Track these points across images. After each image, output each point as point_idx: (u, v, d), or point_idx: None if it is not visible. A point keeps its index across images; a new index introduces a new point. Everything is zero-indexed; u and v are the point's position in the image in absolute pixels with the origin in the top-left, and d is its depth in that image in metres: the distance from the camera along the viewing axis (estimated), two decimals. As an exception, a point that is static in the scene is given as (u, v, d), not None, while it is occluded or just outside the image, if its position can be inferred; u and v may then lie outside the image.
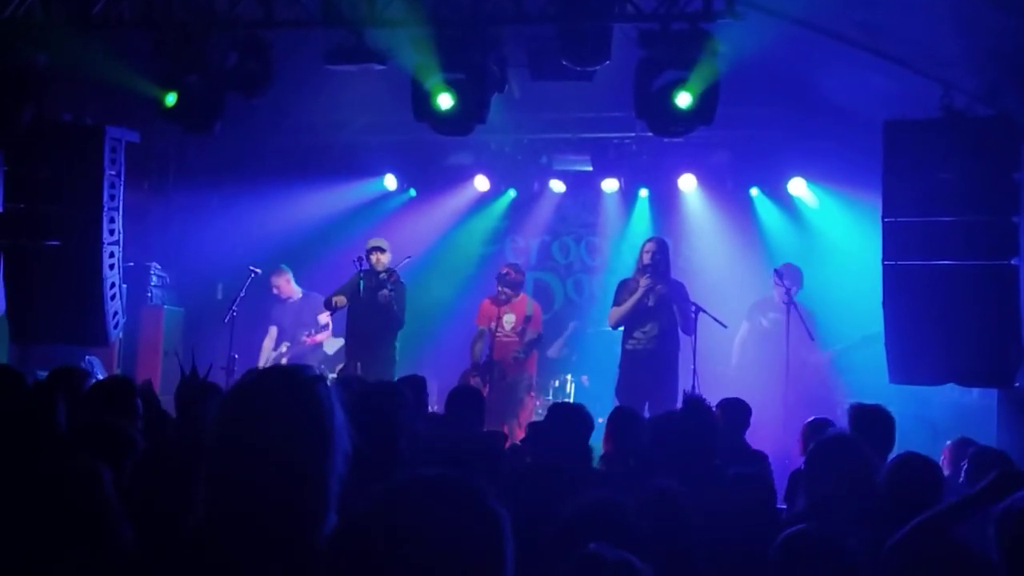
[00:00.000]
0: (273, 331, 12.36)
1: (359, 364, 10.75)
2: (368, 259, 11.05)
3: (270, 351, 12.22)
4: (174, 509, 2.58)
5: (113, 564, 2.98)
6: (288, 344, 12.11)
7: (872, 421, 6.04)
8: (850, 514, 4.38)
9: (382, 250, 11.14)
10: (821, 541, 3.36)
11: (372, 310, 10.87)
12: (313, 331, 12.18)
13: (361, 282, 10.86)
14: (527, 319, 11.35)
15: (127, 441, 4.29)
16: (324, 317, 11.98)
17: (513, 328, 11.31)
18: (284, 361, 11.65)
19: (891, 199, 8.83)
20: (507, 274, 11.37)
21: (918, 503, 4.40)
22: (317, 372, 2.51)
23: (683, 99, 8.50)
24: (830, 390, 10.89)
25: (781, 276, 10.89)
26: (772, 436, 9.50)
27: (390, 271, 11.06)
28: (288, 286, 12.37)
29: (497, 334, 11.16)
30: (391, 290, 10.85)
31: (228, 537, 2.28)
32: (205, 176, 13.37)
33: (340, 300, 11.10)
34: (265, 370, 2.50)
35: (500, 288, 11.29)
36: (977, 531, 4.86)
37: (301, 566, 2.30)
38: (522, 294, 11.60)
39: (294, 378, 2.42)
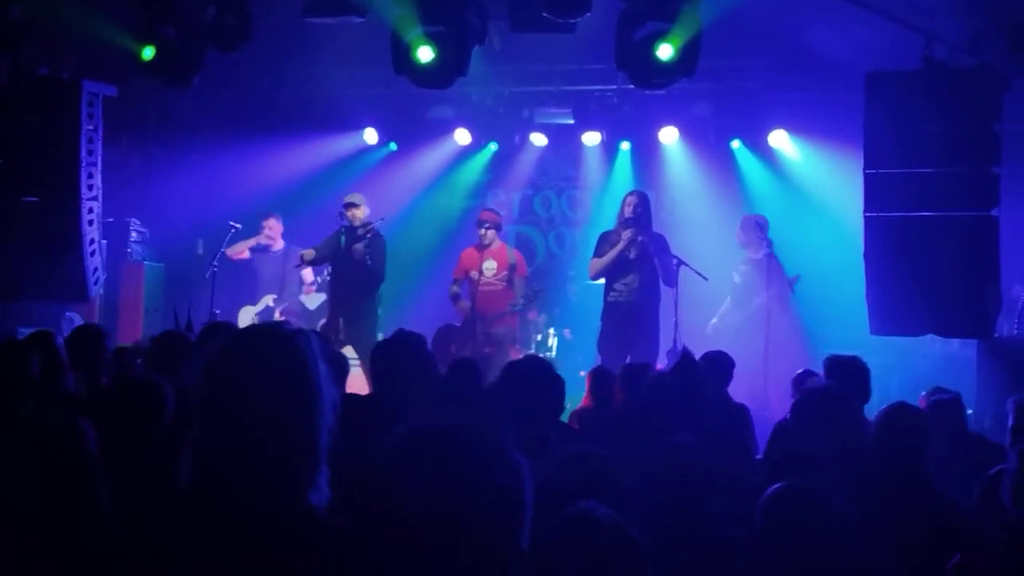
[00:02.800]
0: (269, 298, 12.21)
1: (341, 320, 10.73)
2: (345, 215, 10.98)
3: (252, 310, 12.07)
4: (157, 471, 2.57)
5: (94, 521, 2.97)
6: (274, 297, 11.95)
7: (848, 372, 6.08)
8: (835, 464, 4.41)
9: (356, 205, 11.01)
10: (807, 497, 3.36)
11: (351, 266, 10.82)
12: (304, 287, 12.09)
13: (343, 238, 10.81)
14: (511, 267, 11.16)
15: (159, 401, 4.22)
16: (309, 275, 11.87)
17: (495, 275, 11.10)
18: (278, 314, 11.53)
19: (872, 151, 8.83)
20: (486, 218, 11.27)
21: (905, 453, 4.44)
22: (296, 326, 2.49)
23: (664, 51, 8.46)
24: (805, 341, 10.97)
25: (762, 228, 10.93)
26: (751, 388, 9.57)
27: (367, 225, 10.98)
28: (278, 233, 12.21)
29: (479, 281, 11.00)
30: (367, 245, 10.77)
31: (220, 497, 2.27)
32: (184, 131, 13.26)
33: (308, 253, 10.99)
34: (245, 328, 2.49)
35: (481, 232, 11.14)
36: (958, 485, 4.94)
37: (295, 520, 2.31)
38: (502, 243, 11.48)
39: (275, 333, 2.41)
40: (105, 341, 6.69)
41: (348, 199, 11.07)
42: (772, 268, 10.55)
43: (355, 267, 10.74)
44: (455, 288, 11.29)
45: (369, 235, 10.80)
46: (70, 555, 2.87)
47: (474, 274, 11.04)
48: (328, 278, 11.47)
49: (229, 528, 2.26)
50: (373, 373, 5.39)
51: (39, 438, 3.04)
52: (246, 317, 11.95)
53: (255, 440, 2.28)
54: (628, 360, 9.42)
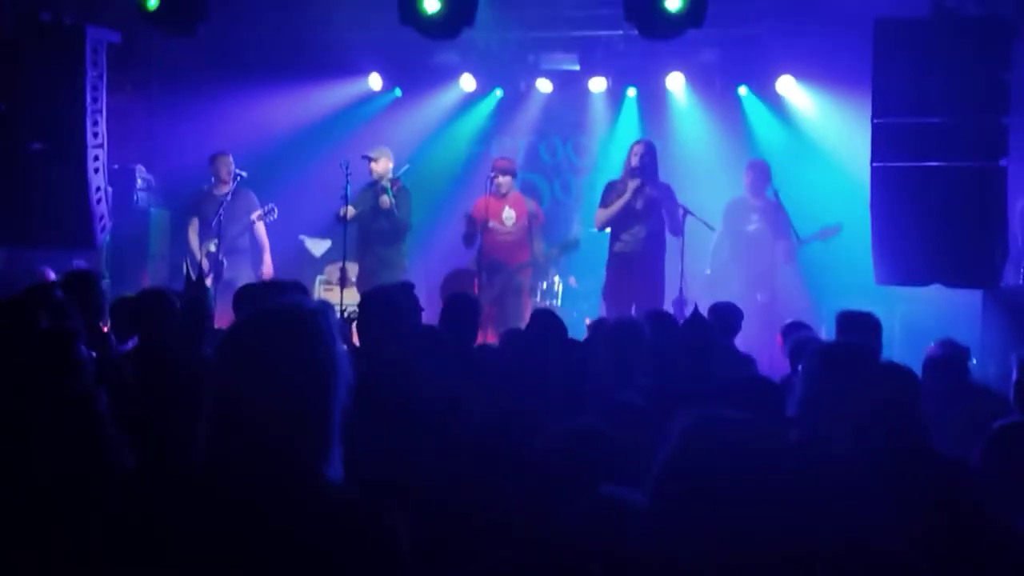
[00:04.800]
0: (195, 222, 11.78)
1: (360, 266, 10.76)
2: (369, 168, 11.03)
3: (198, 247, 11.66)
4: (176, 439, 2.60)
5: (111, 486, 3.01)
6: (216, 241, 11.30)
7: (860, 327, 6.10)
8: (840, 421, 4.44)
9: (374, 159, 11.05)
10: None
11: (376, 213, 10.93)
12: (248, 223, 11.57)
13: (370, 191, 10.85)
14: (532, 216, 11.11)
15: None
16: (256, 214, 11.51)
17: (515, 223, 11.04)
18: (222, 260, 11.23)
19: (881, 99, 8.78)
20: (502, 166, 11.17)
21: (898, 416, 4.46)
22: (315, 303, 2.51)
23: (673, 2, 8.40)
24: (808, 290, 10.99)
25: (766, 173, 10.93)
26: (758, 337, 9.62)
27: (394, 180, 11.02)
28: (228, 175, 11.63)
29: (497, 231, 10.95)
30: (393, 196, 10.86)
31: (233, 474, 2.30)
32: (188, 76, 13.18)
33: (349, 211, 10.84)
34: (265, 304, 2.49)
35: (498, 181, 10.96)
36: (961, 439, 4.98)
37: (310, 494, 2.34)
38: (518, 191, 11.41)
39: (294, 313, 2.43)
40: (100, 285, 6.73)
41: (372, 154, 11.08)
42: (779, 217, 10.56)
43: (377, 216, 10.85)
44: (471, 231, 10.99)
45: (396, 188, 10.86)
46: (87, 524, 2.91)
47: (494, 223, 10.98)
48: (267, 220, 11.47)
49: (244, 502, 2.29)
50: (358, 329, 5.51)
51: (55, 409, 3.07)
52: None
53: (270, 416, 2.31)
54: (633, 309, 9.48)
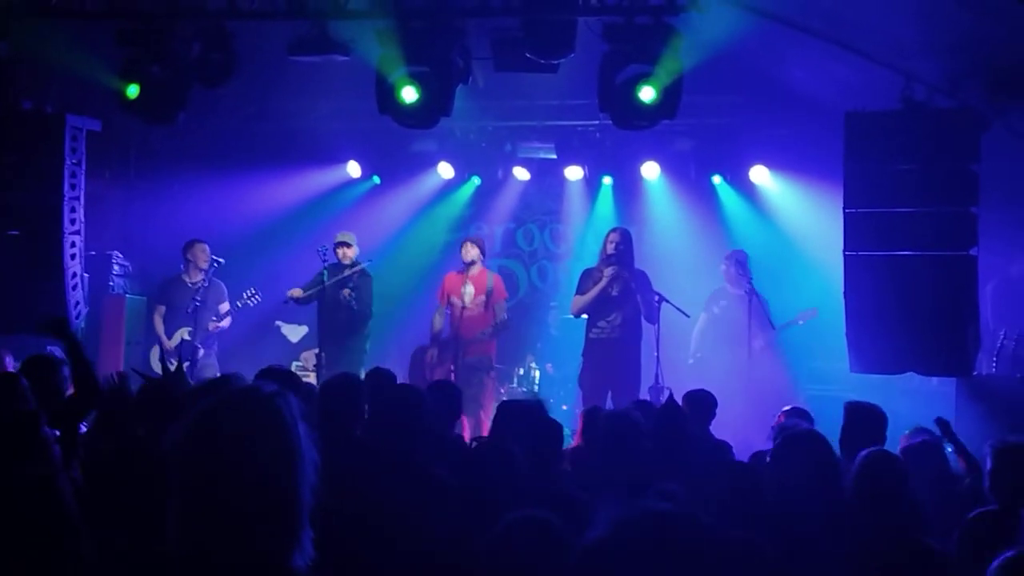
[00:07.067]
0: (162, 310, 11.69)
1: (324, 355, 10.76)
2: (335, 253, 11.05)
3: (163, 334, 11.57)
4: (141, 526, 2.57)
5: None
6: (189, 329, 11.34)
7: (866, 418, 6.19)
8: (816, 508, 4.45)
9: (348, 245, 11.12)
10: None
11: (337, 304, 10.97)
12: (215, 318, 11.52)
13: (325, 273, 10.84)
14: (489, 291, 11.19)
15: None
16: (224, 306, 11.57)
17: (473, 300, 11.12)
18: (198, 346, 11.21)
19: (852, 190, 8.94)
20: (471, 238, 11.52)
21: (884, 498, 4.48)
22: (273, 388, 2.49)
23: (647, 93, 8.53)
24: (787, 377, 11.02)
25: (742, 264, 11.02)
26: (733, 425, 9.62)
27: (354, 265, 11.07)
28: (205, 262, 11.61)
29: (458, 307, 11.07)
30: (352, 289, 10.95)
31: (204, 561, 2.28)
32: (167, 164, 13.25)
33: (296, 292, 11.01)
34: (223, 392, 2.48)
35: (464, 248, 11.29)
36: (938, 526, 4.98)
37: None
38: (483, 268, 11.49)
39: (254, 396, 2.42)
40: (60, 369, 6.69)
41: (341, 237, 11.16)
42: (755, 305, 10.63)
43: (340, 306, 10.89)
44: (438, 319, 11.29)
45: (356, 275, 10.89)
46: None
47: (455, 300, 11.11)
48: (251, 303, 11.48)
49: None
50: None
51: (17, 494, 3.04)
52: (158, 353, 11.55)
53: (238, 504, 2.29)
54: (609, 397, 9.49)
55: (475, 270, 11.27)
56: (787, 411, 7.36)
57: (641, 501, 2.34)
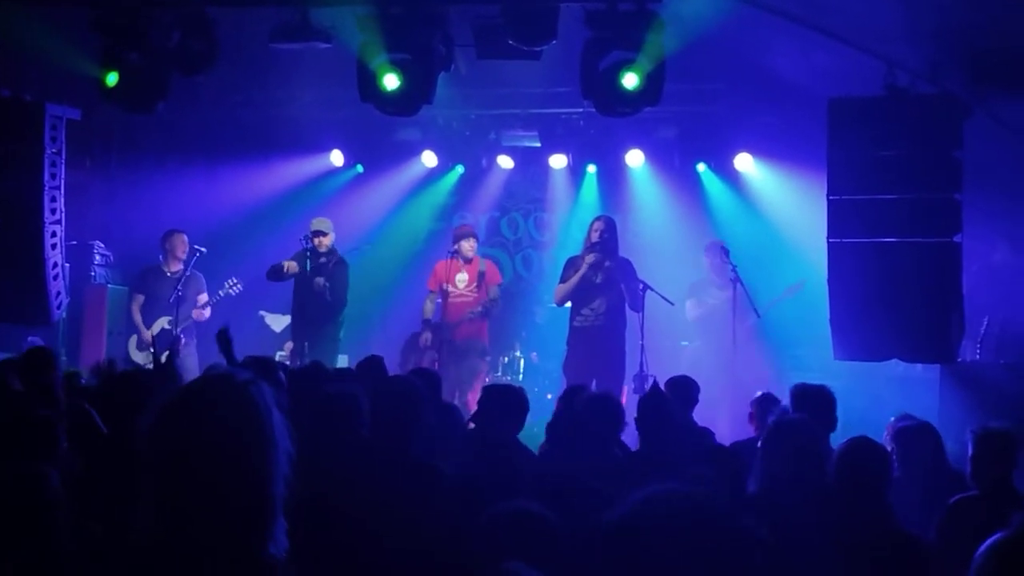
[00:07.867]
0: (140, 300, 11.66)
1: (306, 344, 10.73)
2: (312, 240, 11.00)
3: (142, 324, 11.55)
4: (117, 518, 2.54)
5: (56, 567, 2.95)
6: (170, 319, 11.32)
7: (815, 401, 6.14)
8: (802, 495, 4.44)
9: (324, 233, 11.06)
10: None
11: (312, 292, 10.94)
12: (197, 308, 11.49)
13: (308, 260, 10.82)
14: (480, 275, 11.28)
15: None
16: (203, 297, 11.52)
17: (467, 286, 11.24)
18: (179, 335, 11.16)
19: (835, 177, 8.91)
20: (462, 230, 11.49)
21: (865, 486, 4.47)
22: (248, 375, 2.46)
23: (630, 80, 8.49)
24: (770, 365, 11.03)
25: (727, 253, 11.01)
26: (719, 411, 9.63)
27: (331, 253, 11.02)
28: (183, 252, 11.60)
29: (451, 293, 11.14)
30: (327, 278, 10.91)
31: (178, 550, 2.26)
32: (148, 153, 13.19)
33: (292, 266, 11.01)
34: (197, 380, 2.46)
35: (462, 247, 11.28)
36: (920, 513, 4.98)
37: (253, 573, 2.30)
38: (476, 255, 11.53)
39: (227, 384, 2.40)
40: (56, 363, 6.69)
41: (316, 226, 11.08)
42: (739, 295, 10.62)
43: (315, 295, 10.82)
44: (429, 305, 11.41)
45: (332, 264, 10.84)
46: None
47: (449, 287, 11.17)
48: (232, 292, 11.45)
49: None
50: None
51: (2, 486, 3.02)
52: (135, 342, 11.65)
53: (211, 493, 2.27)
54: (594, 384, 9.47)
55: (474, 259, 11.40)
56: (758, 398, 7.34)
57: (669, 482, 2.31)
